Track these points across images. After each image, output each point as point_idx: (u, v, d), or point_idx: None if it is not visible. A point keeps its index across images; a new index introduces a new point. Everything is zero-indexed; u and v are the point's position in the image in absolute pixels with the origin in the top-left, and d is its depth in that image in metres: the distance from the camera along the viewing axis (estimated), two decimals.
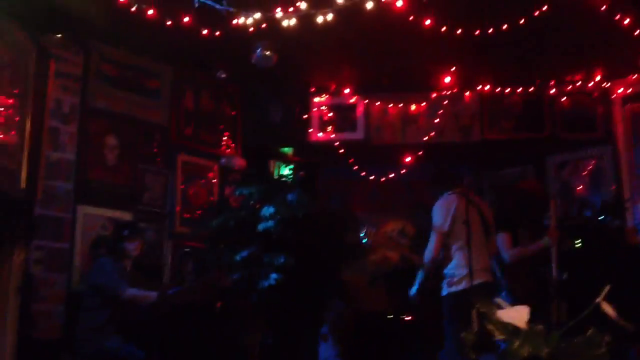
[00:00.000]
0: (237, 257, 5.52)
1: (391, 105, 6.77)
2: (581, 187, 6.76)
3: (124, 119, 5.95)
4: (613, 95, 6.64)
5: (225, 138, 6.69)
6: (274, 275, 5.44)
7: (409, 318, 6.08)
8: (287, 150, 6.87)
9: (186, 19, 4.94)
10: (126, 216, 5.77)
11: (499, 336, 3.15)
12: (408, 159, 6.60)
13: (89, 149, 5.68)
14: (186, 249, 6.11)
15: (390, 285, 6.38)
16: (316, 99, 6.78)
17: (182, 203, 6.23)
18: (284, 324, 5.48)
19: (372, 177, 6.57)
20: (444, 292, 4.58)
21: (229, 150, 6.68)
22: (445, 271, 4.61)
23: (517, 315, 3.10)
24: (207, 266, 5.70)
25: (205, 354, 4.93)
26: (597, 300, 3.26)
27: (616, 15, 5.08)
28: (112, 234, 5.32)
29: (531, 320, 3.12)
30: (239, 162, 6.63)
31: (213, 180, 6.57)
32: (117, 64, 5.95)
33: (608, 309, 3.20)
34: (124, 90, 6.00)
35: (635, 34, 5.21)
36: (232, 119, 6.79)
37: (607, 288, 3.29)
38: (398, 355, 5.63)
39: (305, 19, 4.47)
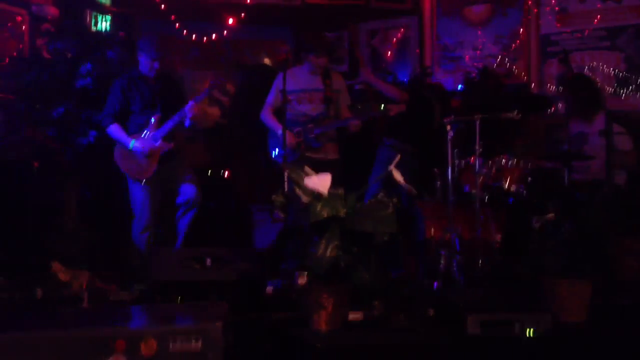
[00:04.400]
0: (54, 113, 5.44)
1: None
2: (390, 54, 7.30)
3: None
4: None
5: None
6: (92, 133, 5.47)
7: (227, 173, 6.43)
8: (105, 0, 6.58)
9: None
10: None
11: (305, 199, 3.59)
12: (231, 20, 6.62)
13: None
14: None
15: (210, 141, 6.63)
16: None
17: None
18: (101, 180, 5.59)
19: (193, 35, 6.55)
20: None
21: None
22: None
23: (320, 181, 3.53)
24: (20, 121, 5.54)
25: (23, 211, 4.96)
26: (389, 167, 3.78)
27: None
28: None
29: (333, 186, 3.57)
30: (52, 10, 6.26)
31: (23, 27, 6.18)
32: None
33: (397, 175, 3.73)
34: None
35: None
36: None
37: (397, 157, 3.81)
38: (217, 209, 5.99)
39: None
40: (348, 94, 5.39)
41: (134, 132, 4.97)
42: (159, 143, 4.90)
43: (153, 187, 4.98)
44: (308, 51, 5.14)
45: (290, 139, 4.89)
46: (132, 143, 4.90)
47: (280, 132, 4.91)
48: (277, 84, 5.14)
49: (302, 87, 5.12)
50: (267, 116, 5.25)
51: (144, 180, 4.94)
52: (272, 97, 5.24)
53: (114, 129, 4.97)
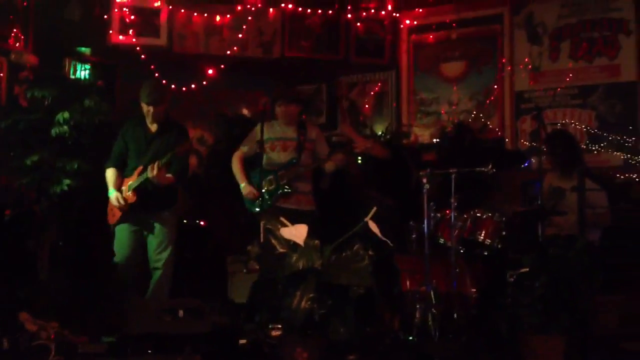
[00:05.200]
0: (28, 161, 5.41)
1: (196, 14, 6.77)
2: (367, 107, 7.42)
3: None
4: (401, 25, 7.25)
5: (15, 31, 6.28)
6: (66, 181, 5.43)
7: (203, 224, 6.39)
8: (85, 50, 6.62)
9: None
10: None
11: (280, 249, 3.58)
12: (210, 71, 6.71)
13: None
14: None
15: (187, 190, 6.60)
16: None
17: None
18: (75, 228, 5.52)
19: (173, 86, 6.60)
20: None
21: (18, 44, 6.29)
22: None
23: (296, 232, 3.53)
24: None
25: None
26: (366, 219, 3.78)
27: None
28: None
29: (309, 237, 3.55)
30: (31, 58, 6.28)
31: (0, 75, 6.18)
32: None
33: (374, 227, 3.74)
34: None
35: None
36: (24, 11, 6.36)
37: (374, 209, 3.82)
38: (192, 259, 5.93)
39: None
40: (326, 144, 5.43)
41: (128, 175, 4.95)
42: (128, 194, 4.85)
43: (122, 235, 4.92)
44: (278, 102, 5.23)
45: (263, 187, 4.93)
46: (111, 191, 4.89)
47: (243, 184, 5.08)
48: (252, 134, 5.21)
49: (277, 136, 5.17)
50: (236, 163, 5.25)
51: (112, 225, 4.92)
52: (245, 145, 5.26)
53: (108, 173, 4.99)
